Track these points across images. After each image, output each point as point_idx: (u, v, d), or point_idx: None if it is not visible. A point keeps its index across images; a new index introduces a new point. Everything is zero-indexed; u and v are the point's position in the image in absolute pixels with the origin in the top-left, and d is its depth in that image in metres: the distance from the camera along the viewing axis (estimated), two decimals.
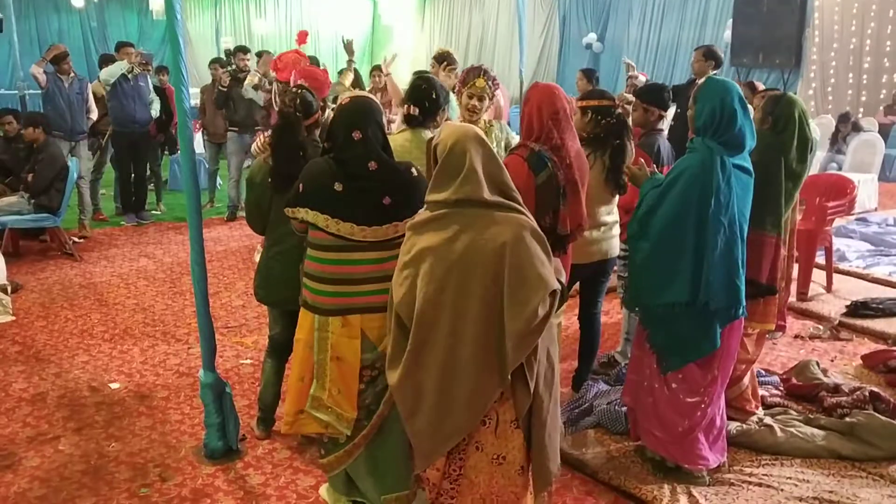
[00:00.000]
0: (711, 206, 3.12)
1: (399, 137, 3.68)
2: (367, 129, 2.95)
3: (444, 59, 5.68)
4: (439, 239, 2.53)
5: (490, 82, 4.18)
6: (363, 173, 2.92)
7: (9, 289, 5.73)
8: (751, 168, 3.28)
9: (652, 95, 4.50)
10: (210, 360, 3.60)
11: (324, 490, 3.37)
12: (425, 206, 2.65)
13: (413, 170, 3.00)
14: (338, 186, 2.92)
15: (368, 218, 2.90)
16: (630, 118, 4.46)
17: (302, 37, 5.99)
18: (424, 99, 3.73)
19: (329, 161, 3.00)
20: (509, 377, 2.54)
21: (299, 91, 3.61)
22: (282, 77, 5.01)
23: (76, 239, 7.69)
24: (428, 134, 3.60)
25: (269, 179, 3.49)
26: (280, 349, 3.83)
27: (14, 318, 5.56)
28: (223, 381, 3.64)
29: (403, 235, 2.70)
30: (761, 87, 6.73)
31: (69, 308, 5.83)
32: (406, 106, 3.76)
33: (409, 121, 3.75)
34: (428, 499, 2.82)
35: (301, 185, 3.00)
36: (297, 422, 3.10)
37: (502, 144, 4.40)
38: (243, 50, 9.07)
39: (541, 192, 3.32)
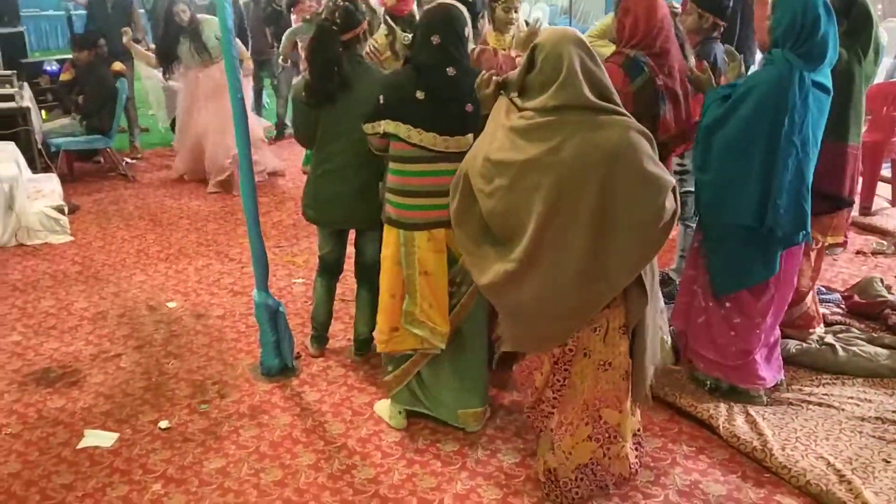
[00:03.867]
0: (785, 126, 2.95)
1: None
2: (447, 35, 2.90)
3: None
4: (540, 150, 2.45)
5: None
6: (442, 80, 2.87)
7: (66, 210, 5.82)
8: (830, 86, 3.07)
9: (709, 3, 4.23)
10: (263, 280, 3.62)
11: (379, 406, 3.41)
12: (517, 112, 2.56)
13: None
14: (419, 94, 2.89)
15: (450, 127, 2.85)
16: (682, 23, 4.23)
17: None
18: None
19: (409, 70, 2.98)
20: (620, 285, 2.51)
21: (343, 3, 3.48)
22: (381, 2, 4.97)
23: (129, 160, 7.77)
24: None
25: (304, 94, 3.42)
26: (330, 268, 3.83)
27: (73, 238, 5.68)
28: (277, 301, 3.67)
29: None
30: None
31: (125, 228, 5.93)
32: None
33: None
34: (528, 402, 2.87)
35: (381, 96, 2.99)
36: (392, 339, 3.14)
37: None
38: None
39: (637, 98, 3.24)
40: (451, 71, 2.88)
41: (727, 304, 3.29)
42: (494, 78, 2.72)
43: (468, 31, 3.03)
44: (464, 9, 3.04)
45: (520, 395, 3.52)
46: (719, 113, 3.11)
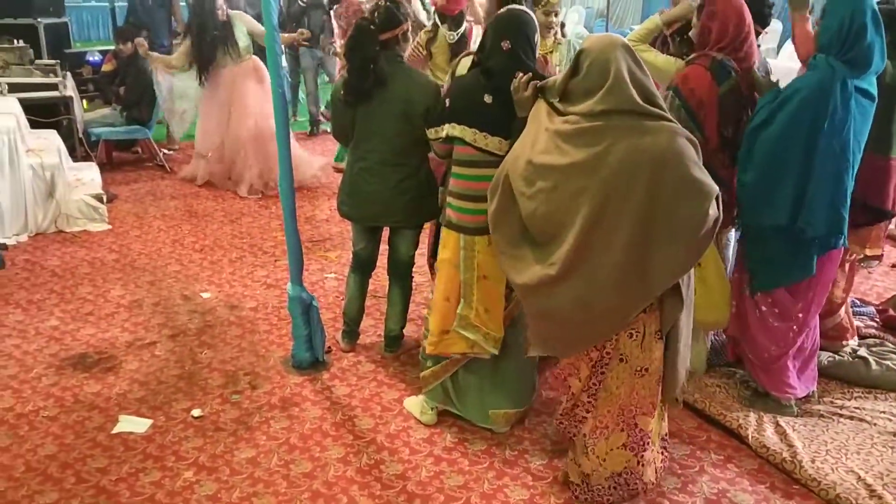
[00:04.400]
0: (824, 129, 2.95)
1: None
2: (517, 40, 2.90)
3: None
4: (587, 154, 2.45)
5: None
6: (510, 85, 2.85)
7: (104, 198, 5.93)
8: (875, 93, 3.06)
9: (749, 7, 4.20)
10: (297, 274, 3.67)
11: (409, 402, 3.44)
12: (558, 116, 2.57)
13: None
14: (487, 98, 2.91)
15: (517, 132, 2.82)
16: None
17: None
18: None
19: (477, 74, 3.00)
20: (659, 289, 2.51)
21: (385, 3, 3.51)
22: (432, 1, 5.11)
23: (166, 150, 7.87)
24: None
25: (342, 92, 3.45)
26: (363, 265, 3.87)
27: (110, 227, 5.78)
28: (310, 295, 3.71)
29: None
30: None
31: (161, 218, 6.02)
32: None
33: None
34: (561, 409, 2.89)
35: (448, 100, 3.03)
36: (443, 342, 3.16)
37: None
38: None
39: (724, 102, 3.22)
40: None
41: (763, 307, 3.29)
42: (533, 81, 2.74)
43: (538, 37, 3.03)
44: (533, 15, 3.04)
45: (547, 397, 3.55)
46: (766, 115, 3.12)
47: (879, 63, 3.03)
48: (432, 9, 4.53)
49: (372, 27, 3.41)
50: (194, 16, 6.55)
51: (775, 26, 11.43)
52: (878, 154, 3.27)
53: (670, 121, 2.49)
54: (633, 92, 2.43)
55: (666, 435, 2.99)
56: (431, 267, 3.65)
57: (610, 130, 2.44)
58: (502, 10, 3.05)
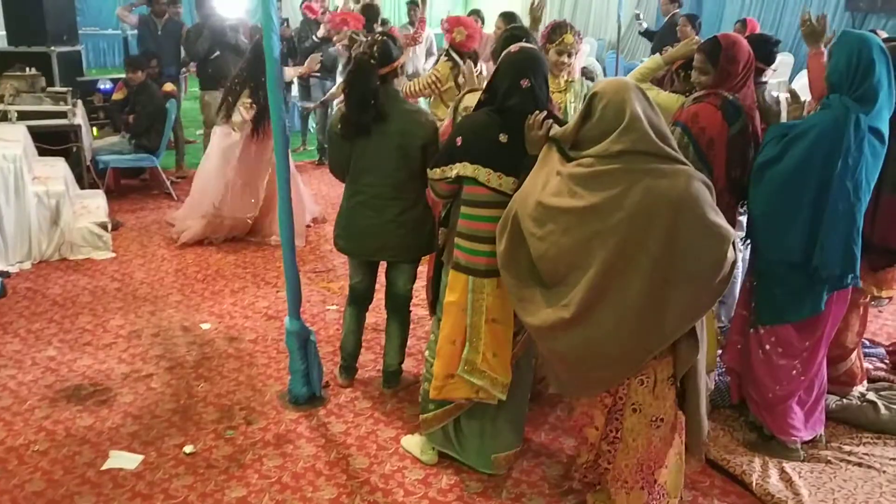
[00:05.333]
0: (838, 168, 2.92)
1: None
2: (537, 78, 2.86)
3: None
4: (602, 197, 2.42)
5: (576, 36, 4.01)
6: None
7: (109, 226, 5.92)
8: (886, 133, 3.02)
9: (754, 48, 4.19)
10: (295, 307, 3.62)
11: (407, 441, 3.37)
12: (571, 160, 2.55)
13: None
14: (502, 138, 2.83)
15: (527, 170, 2.75)
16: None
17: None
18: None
19: (489, 113, 2.92)
20: (673, 335, 2.47)
21: (382, 38, 3.50)
22: (448, 38, 5.16)
23: (174, 178, 7.89)
24: None
25: (339, 126, 3.43)
26: (360, 298, 3.83)
27: (114, 255, 5.76)
28: (308, 329, 3.66)
29: None
30: (883, 34, 6.21)
31: (165, 247, 6.00)
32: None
33: None
34: (582, 460, 2.87)
35: (459, 138, 2.92)
36: (447, 386, 3.06)
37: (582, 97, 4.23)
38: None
39: (733, 143, 3.18)
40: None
41: (767, 346, 3.23)
42: (549, 121, 2.71)
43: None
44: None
45: (547, 438, 3.47)
46: (775, 152, 3.09)
47: (888, 98, 3.00)
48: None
49: (372, 61, 3.40)
50: (250, 65, 5.65)
51: (787, 59, 11.43)
52: (893, 195, 3.22)
53: (686, 164, 2.47)
54: (650, 132, 2.41)
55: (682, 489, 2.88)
56: (432, 307, 3.57)
57: (626, 173, 2.41)
58: (514, 47, 2.97)
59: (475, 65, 5.05)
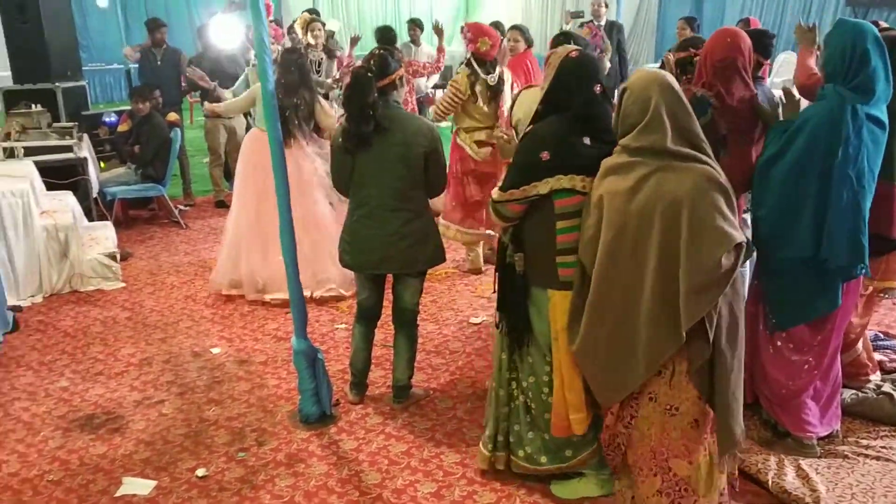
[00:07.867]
0: (838, 158, 2.92)
1: None
2: (602, 82, 2.83)
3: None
4: (620, 187, 2.53)
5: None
6: (609, 124, 2.72)
7: (118, 257, 5.96)
8: (886, 120, 3.02)
9: (752, 41, 4.18)
10: (302, 327, 3.63)
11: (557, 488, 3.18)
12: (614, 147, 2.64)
13: None
14: (586, 140, 2.75)
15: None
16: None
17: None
18: None
19: (566, 120, 2.77)
20: (684, 331, 2.49)
21: (379, 51, 3.54)
22: (472, 48, 5.28)
23: (182, 206, 7.94)
24: None
25: (340, 140, 3.44)
26: (367, 315, 3.83)
27: (124, 284, 5.79)
28: (315, 348, 3.66)
29: None
30: (883, 24, 6.20)
31: (175, 274, 6.03)
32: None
33: None
34: (604, 438, 2.95)
35: (545, 152, 2.72)
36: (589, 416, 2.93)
37: None
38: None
39: None
40: (613, 114, 2.73)
41: (778, 342, 3.22)
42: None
43: None
44: None
45: None
46: (777, 148, 3.09)
47: (885, 88, 2.99)
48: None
49: (369, 74, 3.43)
50: (285, 75, 5.13)
51: (790, 58, 11.39)
52: (883, 181, 3.18)
53: (706, 164, 2.49)
54: (670, 132, 2.46)
55: (724, 490, 2.81)
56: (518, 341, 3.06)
57: (640, 167, 2.51)
58: (573, 51, 2.85)
59: (495, 70, 5.25)
